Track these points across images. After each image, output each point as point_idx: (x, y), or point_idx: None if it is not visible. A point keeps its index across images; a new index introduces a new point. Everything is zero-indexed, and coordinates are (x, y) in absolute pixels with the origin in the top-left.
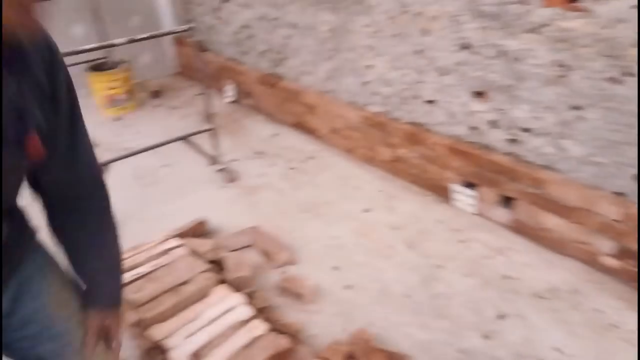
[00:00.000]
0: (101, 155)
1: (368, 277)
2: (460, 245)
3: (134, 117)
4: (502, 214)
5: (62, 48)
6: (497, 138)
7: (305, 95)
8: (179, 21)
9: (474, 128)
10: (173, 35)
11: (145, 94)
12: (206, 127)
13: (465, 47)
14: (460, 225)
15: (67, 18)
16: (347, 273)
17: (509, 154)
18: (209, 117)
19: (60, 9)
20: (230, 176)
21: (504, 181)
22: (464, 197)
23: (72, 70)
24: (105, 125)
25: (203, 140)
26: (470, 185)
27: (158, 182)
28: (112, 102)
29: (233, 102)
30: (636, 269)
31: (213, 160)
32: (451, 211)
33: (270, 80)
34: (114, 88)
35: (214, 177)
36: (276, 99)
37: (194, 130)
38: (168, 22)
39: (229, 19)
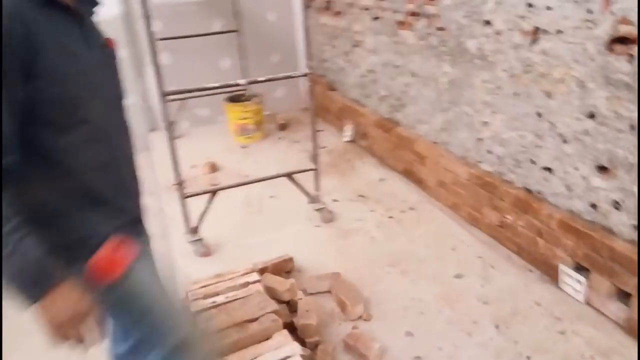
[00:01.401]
0: (221, 180)
1: (442, 351)
2: (559, 336)
3: (259, 146)
4: (616, 309)
5: (211, 80)
6: (620, 222)
7: (418, 143)
8: (315, 60)
9: (593, 206)
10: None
11: (273, 125)
12: (310, 167)
13: (591, 115)
14: (562, 312)
15: (216, 53)
16: (420, 342)
17: (632, 242)
18: (314, 157)
19: (211, 44)
20: (327, 216)
21: (623, 272)
22: (572, 282)
23: (215, 99)
24: (232, 152)
25: (309, 177)
26: (581, 268)
27: (262, 212)
28: (242, 130)
29: (350, 141)
30: None
31: (313, 199)
32: (555, 295)
33: (387, 125)
34: (245, 118)
35: (313, 215)
36: (389, 144)
37: (301, 167)
38: (304, 60)
39: (357, 62)
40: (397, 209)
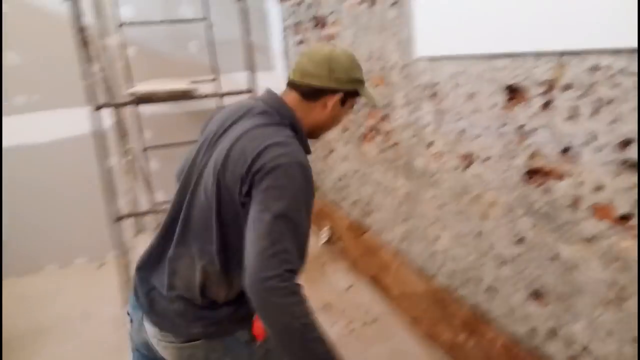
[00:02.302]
0: None
1: None
2: None
3: None
4: None
5: None
6: (557, 350)
7: (383, 251)
8: None
9: (533, 331)
10: None
11: None
12: None
13: (520, 241)
14: None
15: None
16: None
17: None
18: None
19: None
20: None
21: None
22: None
23: None
24: None
25: None
26: None
27: None
28: None
29: (327, 242)
30: None
31: None
32: None
33: (358, 230)
34: None
35: None
36: (360, 249)
37: None
38: None
39: (332, 167)
40: (360, 320)
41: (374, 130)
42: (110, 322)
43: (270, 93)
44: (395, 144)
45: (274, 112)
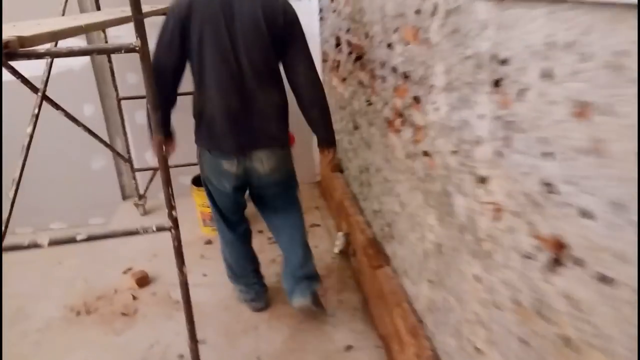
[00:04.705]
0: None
1: None
2: None
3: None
4: None
5: None
6: None
7: (401, 312)
8: None
9: None
10: None
11: None
12: None
13: None
14: None
15: None
16: None
17: None
18: None
19: None
20: None
21: None
22: None
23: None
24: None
25: None
26: None
27: None
28: (211, 220)
29: (341, 252)
30: None
31: None
32: None
33: (375, 255)
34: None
35: None
36: (374, 287)
37: None
38: None
39: (356, 151)
40: None
41: (401, 116)
42: None
43: None
44: (427, 154)
45: None
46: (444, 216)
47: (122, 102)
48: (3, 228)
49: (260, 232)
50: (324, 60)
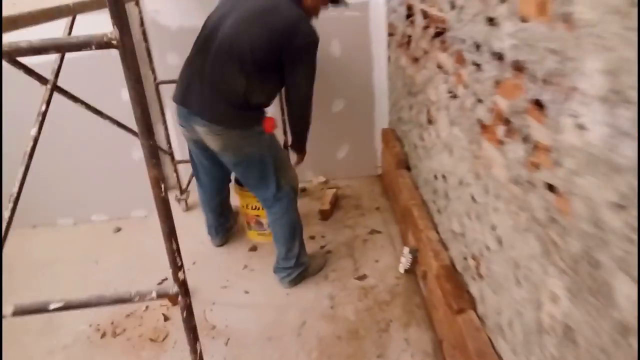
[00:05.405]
0: (171, 331)
1: None
2: None
3: (268, 252)
4: None
5: None
6: None
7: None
8: (393, 115)
9: None
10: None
11: (317, 205)
12: None
13: None
14: None
15: None
16: None
17: None
18: None
19: None
20: None
21: None
22: None
23: None
24: (228, 259)
25: None
26: None
27: None
28: (256, 224)
29: (407, 271)
30: None
31: None
32: None
33: (457, 294)
34: (259, 209)
35: None
36: (452, 334)
37: None
38: (380, 112)
39: (429, 151)
40: None
41: (507, 123)
42: None
43: None
44: (553, 189)
45: None
46: (583, 292)
47: (161, 86)
48: (4, 228)
49: (312, 237)
50: (391, 34)
